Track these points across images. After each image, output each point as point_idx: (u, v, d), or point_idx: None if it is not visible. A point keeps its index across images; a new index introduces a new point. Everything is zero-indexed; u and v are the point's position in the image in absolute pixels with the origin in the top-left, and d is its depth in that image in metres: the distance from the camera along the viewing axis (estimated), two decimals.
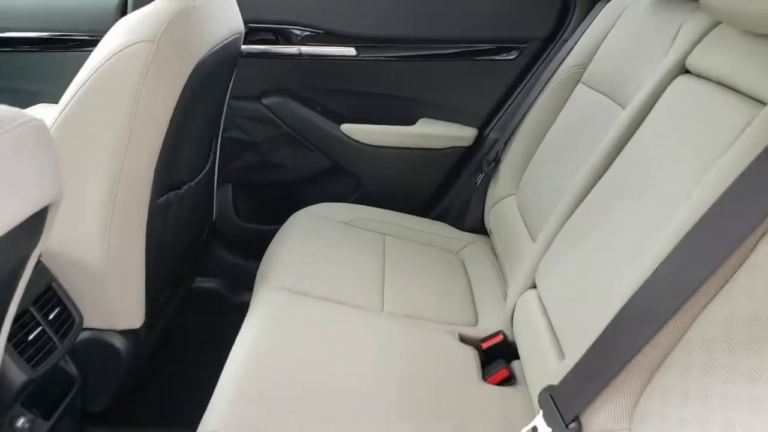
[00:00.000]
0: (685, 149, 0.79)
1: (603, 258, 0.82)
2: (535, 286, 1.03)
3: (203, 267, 1.65)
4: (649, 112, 0.92)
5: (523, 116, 1.38)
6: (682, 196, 0.72)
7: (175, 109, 0.97)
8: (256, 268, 1.69)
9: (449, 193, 1.63)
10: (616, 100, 1.10)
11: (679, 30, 0.97)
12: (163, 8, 0.96)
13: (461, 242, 1.49)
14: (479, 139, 1.57)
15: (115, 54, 0.90)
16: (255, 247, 1.73)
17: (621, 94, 1.09)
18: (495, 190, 1.43)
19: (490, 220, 1.43)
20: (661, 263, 0.67)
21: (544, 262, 1.00)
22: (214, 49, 1.05)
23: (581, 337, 0.78)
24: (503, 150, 1.43)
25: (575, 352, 0.78)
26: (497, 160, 1.44)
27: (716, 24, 0.87)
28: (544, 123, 1.34)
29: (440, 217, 1.64)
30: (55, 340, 0.94)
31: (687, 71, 0.89)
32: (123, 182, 0.95)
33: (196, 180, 1.22)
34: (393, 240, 1.44)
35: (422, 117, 1.59)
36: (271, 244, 1.37)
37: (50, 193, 0.55)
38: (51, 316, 0.94)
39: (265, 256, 1.33)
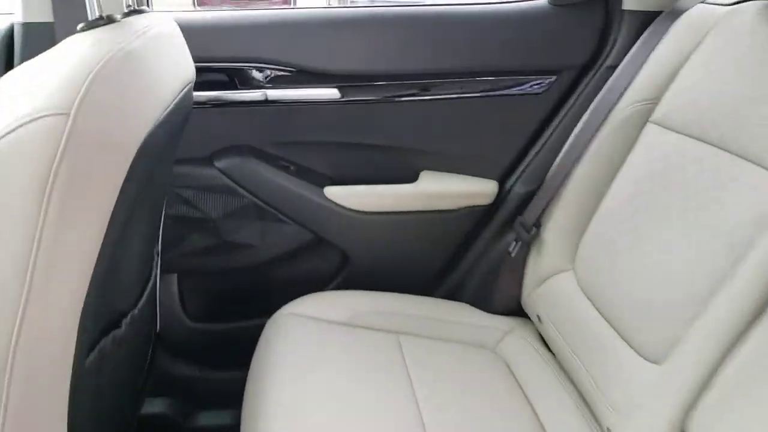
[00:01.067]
0: None
1: None
2: None
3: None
4: None
5: (572, 166, 1.06)
6: None
7: (114, 216, 0.58)
8: (214, 381, 1.29)
9: (462, 265, 1.28)
10: (740, 152, 0.79)
11: None
12: (80, 56, 0.58)
13: (496, 332, 1.14)
14: (500, 195, 1.24)
15: (11, 132, 0.51)
16: (210, 355, 1.32)
17: (744, 143, 0.79)
18: (540, 264, 1.10)
19: (537, 303, 1.10)
20: None
21: (706, 407, 0.67)
22: (166, 113, 0.67)
23: None
24: (545, 210, 1.10)
25: None
26: (538, 224, 1.11)
27: None
28: (602, 176, 1.02)
29: (452, 296, 1.29)
30: None
31: None
32: (25, 346, 0.54)
33: (140, 303, 0.81)
34: (410, 341, 1.07)
35: (424, 170, 1.25)
36: (249, 376, 0.97)
37: None
38: None
39: (246, 396, 0.93)
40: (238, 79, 1.12)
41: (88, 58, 0.59)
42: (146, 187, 0.71)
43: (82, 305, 0.57)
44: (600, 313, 0.95)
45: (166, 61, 0.72)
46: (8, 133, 0.51)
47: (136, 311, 0.78)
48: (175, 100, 0.71)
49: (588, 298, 0.98)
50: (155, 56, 0.70)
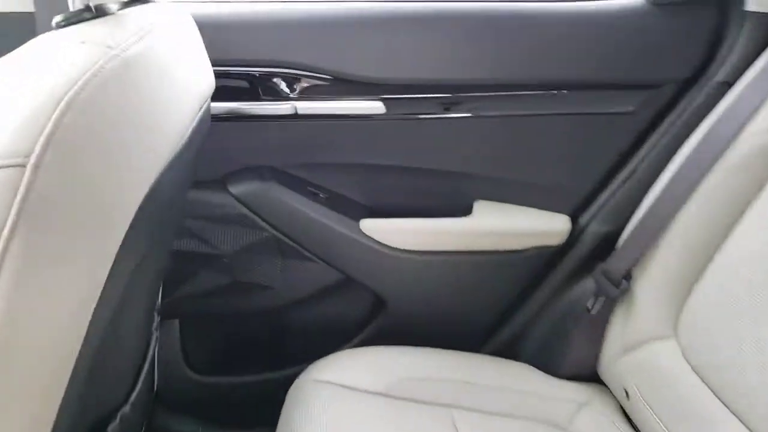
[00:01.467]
0: None
1: None
2: None
3: None
4: None
5: (677, 205, 0.84)
6: None
7: (104, 299, 0.39)
8: None
9: (521, 317, 1.07)
10: None
11: None
12: (51, 68, 0.39)
13: (568, 404, 0.92)
14: (573, 234, 1.02)
15: None
16: (218, 413, 1.11)
17: None
18: (630, 326, 0.88)
19: (624, 374, 0.88)
20: None
21: None
22: (181, 144, 0.47)
23: None
24: (640, 261, 0.88)
25: None
26: (628, 276, 0.89)
27: None
28: (719, 220, 0.80)
29: (504, 353, 1.07)
30: None
31: None
32: None
33: (134, 395, 0.61)
34: (467, 417, 0.86)
35: (479, 200, 1.04)
36: None
37: None
38: None
39: None
40: (262, 87, 0.91)
41: (61, 71, 0.38)
42: (152, 246, 0.51)
43: (56, 408, 0.37)
44: (721, 402, 0.73)
45: (181, 72, 0.52)
46: None
47: (128, 407, 0.58)
48: (193, 125, 0.51)
49: (701, 379, 0.77)
50: (166, 65, 0.50)
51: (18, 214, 0.32)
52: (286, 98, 0.91)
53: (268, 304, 1.04)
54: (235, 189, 0.96)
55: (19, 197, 0.32)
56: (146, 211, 0.42)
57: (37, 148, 0.33)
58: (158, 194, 0.44)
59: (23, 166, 0.32)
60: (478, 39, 0.93)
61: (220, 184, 0.97)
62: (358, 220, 0.99)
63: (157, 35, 0.53)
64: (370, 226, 1.00)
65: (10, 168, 0.32)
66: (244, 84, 0.91)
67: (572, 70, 0.94)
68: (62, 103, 0.36)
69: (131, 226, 0.40)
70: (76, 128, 0.36)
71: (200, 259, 0.99)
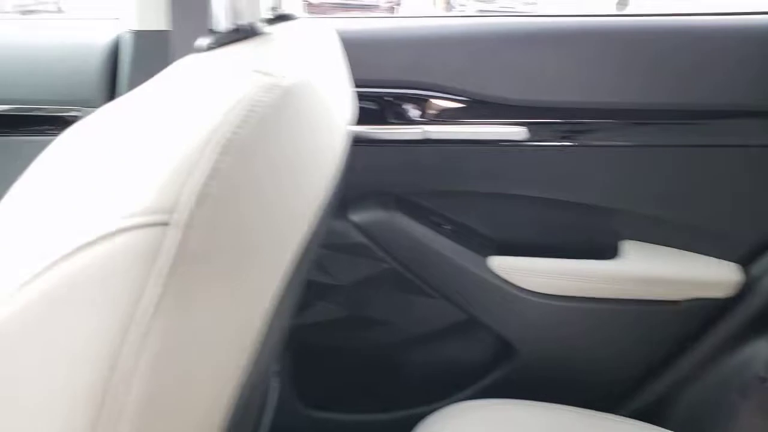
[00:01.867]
0: None
1: None
2: None
3: None
4: None
5: None
6: None
7: (256, 364, 0.33)
8: None
9: (671, 378, 0.92)
10: None
11: None
12: (200, 102, 0.34)
13: None
14: (745, 286, 0.86)
15: (74, 254, 0.26)
16: None
17: None
18: None
19: None
20: None
21: None
22: (333, 188, 0.42)
23: None
24: None
25: None
26: None
27: None
28: None
29: (647, 416, 0.93)
30: None
31: None
32: None
33: None
34: None
35: (628, 240, 0.91)
36: None
37: None
38: None
39: None
40: (391, 110, 0.85)
41: (216, 105, 0.33)
42: (303, 290, 0.45)
43: None
44: None
45: (333, 98, 0.46)
46: (78, 251, 0.26)
47: None
48: (344, 158, 0.45)
49: None
50: (321, 92, 0.44)
51: (165, 284, 0.26)
52: (414, 122, 0.84)
53: (385, 341, 0.97)
54: (356, 216, 0.90)
55: (161, 262, 0.26)
56: (302, 259, 0.36)
57: (188, 203, 0.27)
58: (313, 240, 0.38)
59: (166, 224, 0.27)
60: (636, 58, 0.81)
61: (341, 210, 0.91)
62: (486, 256, 0.90)
63: (310, 57, 0.48)
64: (500, 263, 0.90)
65: (153, 227, 0.26)
66: (371, 106, 0.85)
67: (751, 95, 0.79)
68: (218, 146, 0.30)
69: (290, 277, 0.34)
70: (234, 176, 0.29)
71: (316, 289, 0.94)
